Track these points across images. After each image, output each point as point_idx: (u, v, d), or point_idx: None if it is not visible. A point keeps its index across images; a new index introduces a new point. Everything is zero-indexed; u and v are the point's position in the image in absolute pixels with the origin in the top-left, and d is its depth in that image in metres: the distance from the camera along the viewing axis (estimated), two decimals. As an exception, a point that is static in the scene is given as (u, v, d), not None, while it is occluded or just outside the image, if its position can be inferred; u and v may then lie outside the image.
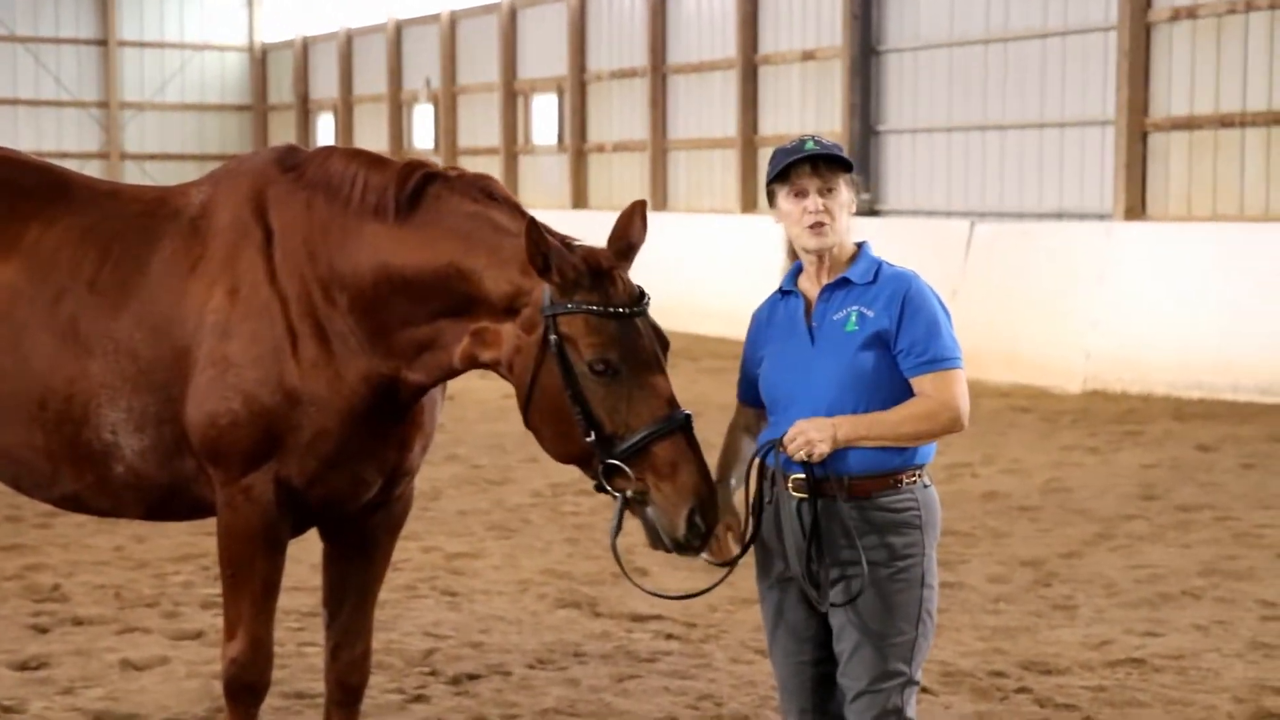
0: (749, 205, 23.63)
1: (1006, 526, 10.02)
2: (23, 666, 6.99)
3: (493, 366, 4.70)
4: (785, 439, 4.44)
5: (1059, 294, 16.84)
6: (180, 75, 37.40)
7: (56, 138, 35.72)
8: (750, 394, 4.71)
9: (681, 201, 25.36)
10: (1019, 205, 19.66)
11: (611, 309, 4.47)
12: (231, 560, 4.91)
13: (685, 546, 4.40)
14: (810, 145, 4.53)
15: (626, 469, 4.40)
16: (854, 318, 4.51)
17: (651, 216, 4.77)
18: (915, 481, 4.54)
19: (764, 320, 4.71)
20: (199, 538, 9.16)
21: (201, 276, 4.91)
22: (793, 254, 4.78)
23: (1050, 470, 12.01)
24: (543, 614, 7.96)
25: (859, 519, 4.47)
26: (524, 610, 8.02)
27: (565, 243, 4.59)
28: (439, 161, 5.49)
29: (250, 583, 4.90)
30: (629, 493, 4.43)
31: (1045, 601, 8.24)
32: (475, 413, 14.44)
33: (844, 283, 4.57)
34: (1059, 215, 19.02)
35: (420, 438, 5.04)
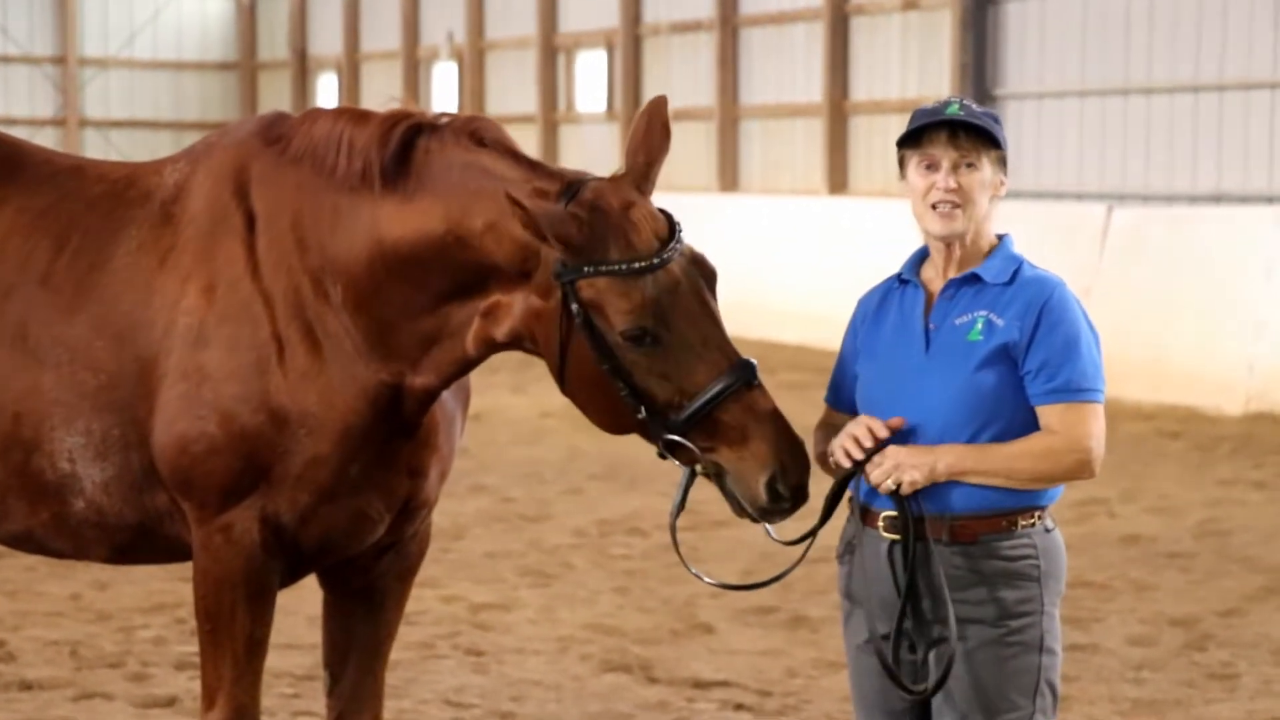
0: (837, 186, 23.62)
1: (1152, 577, 9.98)
2: (-40, 739, 7.08)
3: (513, 343, 4.75)
4: (870, 463, 4.45)
5: (1216, 294, 16.75)
6: (152, 26, 37.70)
7: (3, 100, 36.06)
8: (845, 399, 4.70)
9: (755, 181, 25.36)
10: (1167, 186, 19.58)
11: (638, 264, 4.50)
12: (209, 613, 4.93)
13: (770, 514, 4.52)
14: (954, 109, 4.54)
15: (688, 444, 4.51)
16: (980, 325, 4.51)
17: (719, 199, 4.84)
18: (1034, 524, 4.53)
19: (871, 310, 4.70)
20: (173, 584, 9.22)
21: (172, 271, 4.95)
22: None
23: (1205, 509, 11.95)
24: (587, 678, 7.98)
25: (964, 568, 4.47)
26: (564, 674, 8.05)
27: (566, 181, 4.63)
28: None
29: (232, 639, 4.92)
30: (698, 468, 4.55)
31: (1199, 669, 8.21)
32: (506, 435, 14.45)
33: (973, 279, 4.56)
34: (1217, 198, 18.93)
35: (436, 462, 5.07)
